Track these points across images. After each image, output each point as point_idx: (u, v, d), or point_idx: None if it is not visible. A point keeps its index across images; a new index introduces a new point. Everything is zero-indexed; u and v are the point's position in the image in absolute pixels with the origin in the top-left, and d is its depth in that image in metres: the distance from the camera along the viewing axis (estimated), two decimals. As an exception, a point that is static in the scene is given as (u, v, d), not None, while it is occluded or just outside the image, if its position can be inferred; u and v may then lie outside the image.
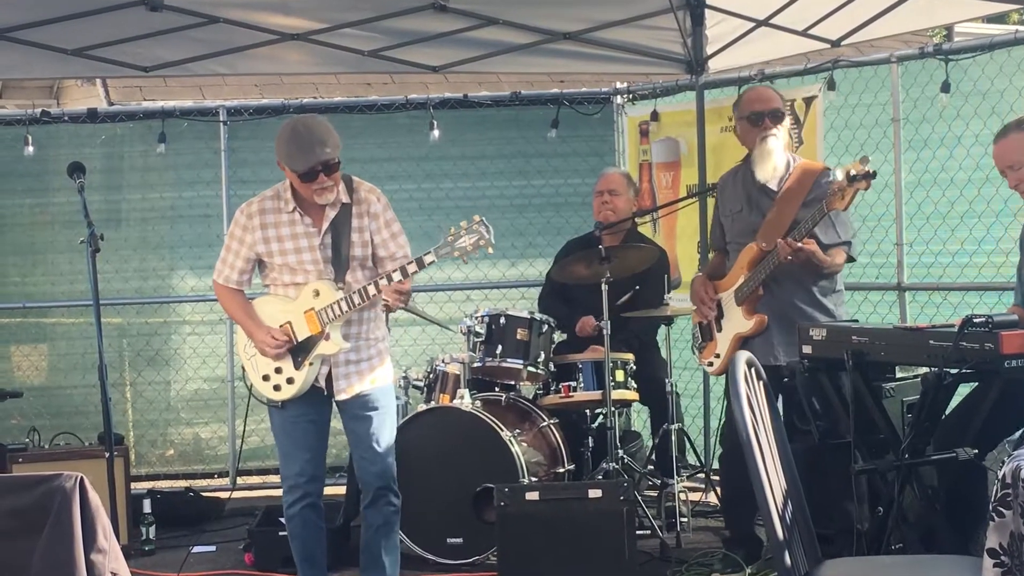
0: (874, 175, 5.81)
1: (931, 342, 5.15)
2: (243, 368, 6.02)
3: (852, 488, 5.49)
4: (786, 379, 6.03)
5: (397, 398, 6.46)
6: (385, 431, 5.90)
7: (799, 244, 6.12)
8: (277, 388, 5.84)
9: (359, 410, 5.86)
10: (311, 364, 5.78)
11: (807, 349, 5.77)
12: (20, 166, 8.91)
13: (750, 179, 6.53)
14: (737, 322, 6.54)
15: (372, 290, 5.65)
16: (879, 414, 5.54)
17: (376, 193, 5.90)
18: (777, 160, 6.45)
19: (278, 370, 5.82)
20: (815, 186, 6.36)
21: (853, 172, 5.78)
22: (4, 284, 9.14)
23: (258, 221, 5.80)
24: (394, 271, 5.63)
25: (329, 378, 5.85)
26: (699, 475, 8.22)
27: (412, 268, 5.62)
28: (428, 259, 5.62)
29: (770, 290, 6.41)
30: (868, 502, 5.63)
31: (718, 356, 6.69)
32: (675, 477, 7.27)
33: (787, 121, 6.54)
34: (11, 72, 8.05)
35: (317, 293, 5.74)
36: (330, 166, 5.63)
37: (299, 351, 5.79)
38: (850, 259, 6.51)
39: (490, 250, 5.69)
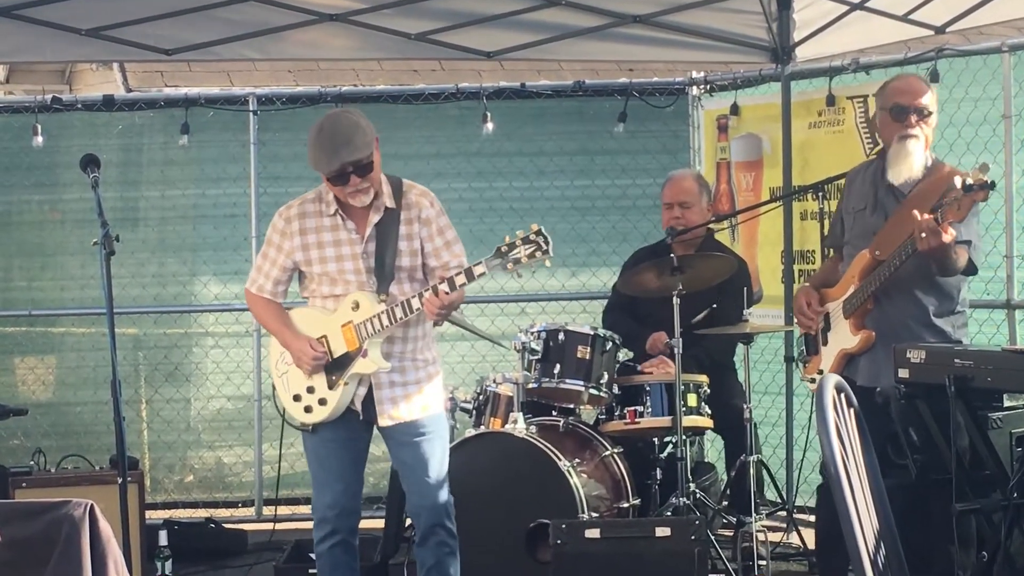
0: (993, 186, 5.73)
1: (1045, 367, 5.12)
2: (273, 387, 6.06)
3: (953, 530, 5.46)
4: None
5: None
6: (435, 460, 5.89)
7: (940, 224, 5.83)
8: (308, 410, 5.86)
9: (406, 437, 5.86)
10: (346, 384, 5.80)
11: (904, 373, 5.73)
12: (28, 158, 8.99)
13: (880, 177, 6.45)
14: (843, 337, 6.49)
15: (416, 303, 5.66)
16: (984, 447, 5.50)
17: (429, 197, 5.92)
18: (915, 162, 6.33)
19: (310, 389, 5.85)
20: (944, 194, 6.25)
21: (970, 181, 5.73)
22: (9, 289, 9.21)
23: (297, 226, 5.84)
24: (440, 283, 5.63)
25: (367, 402, 5.86)
26: (780, 513, 8.18)
27: (460, 279, 5.63)
28: (478, 270, 5.63)
29: (880, 304, 6.35)
30: (971, 546, 5.59)
31: (821, 372, 6.63)
32: (753, 515, 7.22)
33: (934, 119, 6.43)
34: (19, 55, 8.11)
35: (356, 305, 5.76)
36: (361, 166, 5.64)
37: (334, 369, 5.81)
38: (971, 269, 6.30)
39: (547, 263, 5.68)
